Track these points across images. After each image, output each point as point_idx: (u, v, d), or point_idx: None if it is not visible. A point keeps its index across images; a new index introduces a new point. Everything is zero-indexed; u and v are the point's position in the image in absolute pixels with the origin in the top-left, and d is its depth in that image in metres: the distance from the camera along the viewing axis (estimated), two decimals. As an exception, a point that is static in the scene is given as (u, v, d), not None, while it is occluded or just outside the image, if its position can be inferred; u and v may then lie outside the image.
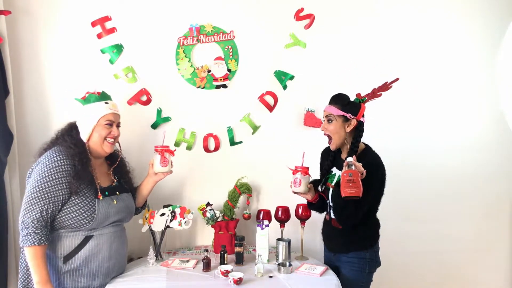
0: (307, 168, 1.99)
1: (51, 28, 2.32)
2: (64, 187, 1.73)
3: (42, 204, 1.69)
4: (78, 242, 1.80)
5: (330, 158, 2.08)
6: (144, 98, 2.44)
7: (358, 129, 1.96)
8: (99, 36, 2.36)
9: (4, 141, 2.12)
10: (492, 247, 2.92)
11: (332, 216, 2.01)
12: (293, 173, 2.00)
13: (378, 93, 2.01)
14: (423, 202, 2.76)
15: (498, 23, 2.81)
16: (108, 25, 2.37)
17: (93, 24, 2.34)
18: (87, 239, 1.82)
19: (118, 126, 1.95)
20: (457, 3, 2.77)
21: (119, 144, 2.05)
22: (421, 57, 2.74)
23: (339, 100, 1.97)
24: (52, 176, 1.71)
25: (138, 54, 2.42)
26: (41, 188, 1.70)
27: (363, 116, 1.97)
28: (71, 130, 1.89)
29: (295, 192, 2.02)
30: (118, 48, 2.39)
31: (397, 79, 1.98)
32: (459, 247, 2.84)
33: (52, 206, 1.71)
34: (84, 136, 1.87)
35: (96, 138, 1.87)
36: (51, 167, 1.72)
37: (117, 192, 1.95)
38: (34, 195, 1.70)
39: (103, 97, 1.91)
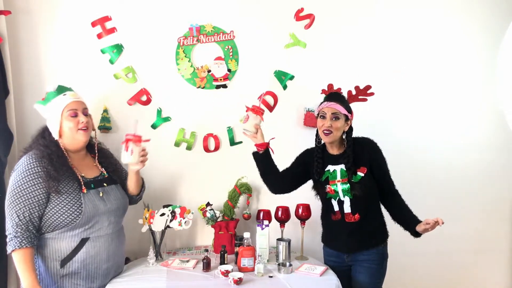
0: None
1: (51, 28, 2.32)
2: (37, 188, 1.74)
3: (18, 208, 1.71)
4: (75, 245, 1.80)
5: (318, 158, 2.08)
6: (144, 98, 2.44)
7: (350, 126, 2.06)
8: (99, 36, 2.36)
9: (4, 141, 2.12)
10: (493, 247, 2.92)
11: (346, 210, 2.01)
12: (246, 110, 2.10)
13: (360, 97, 2.17)
14: (423, 203, 2.74)
15: (498, 23, 2.81)
16: (108, 25, 2.37)
17: (93, 24, 2.34)
18: (83, 241, 1.81)
19: (85, 114, 1.90)
20: (457, 3, 2.77)
21: (95, 132, 2.01)
22: (421, 57, 2.74)
23: (342, 99, 2.06)
24: (24, 180, 1.73)
25: (138, 54, 2.42)
26: (15, 193, 1.73)
27: None
28: (44, 132, 1.89)
29: (244, 129, 2.10)
30: (118, 48, 2.39)
31: (369, 86, 2.17)
32: (459, 247, 2.84)
33: (28, 209, 1.72)
34: (55, 134, 1.86)
35: (67, 132, 1.85)
36: (22, 171, 1.75)
37: (105, 184, 1.94)
38: (10, 201, 1.73)
39: (60, 90, 1.88)
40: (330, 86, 2.15)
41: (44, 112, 1.89)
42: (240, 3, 2.52)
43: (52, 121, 1.86)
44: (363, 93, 2.15)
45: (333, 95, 2.08)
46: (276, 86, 2.58)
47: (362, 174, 1.98)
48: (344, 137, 2.06)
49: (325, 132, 1.98)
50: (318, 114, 2.05)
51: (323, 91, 2.14)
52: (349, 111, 2.03)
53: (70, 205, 1.77)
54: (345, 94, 2.14)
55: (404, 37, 2.70)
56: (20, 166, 1.77)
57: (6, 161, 2.15)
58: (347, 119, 2.01)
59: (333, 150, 2.08)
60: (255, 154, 2.14)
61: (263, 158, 2.11)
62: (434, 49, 2.75)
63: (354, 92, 2.14)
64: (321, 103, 2.05)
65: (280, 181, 2.16)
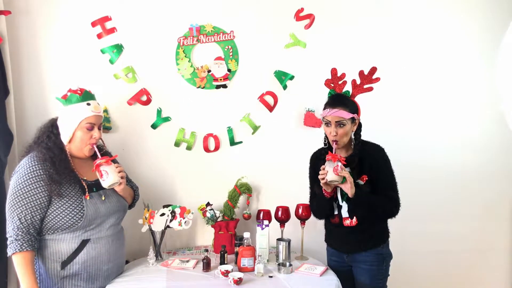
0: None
1: (51, 28, 2.32)
2: (39, 191, 1.73)
3: (19, 211, 1.71)
4: (75, 247, 1.80)
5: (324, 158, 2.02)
6: (144, 98, 2.44)
7: (358, 125, 2.01)
8: (99, 36, 2.36)
9: (4, 141, 2.12)
10: (492, 247, 2.92)
11: (344, 215, 2.00)
12: (334, 160, 1.85)
13: (366, 87, 2.03)
14: (423, 202, 2.76)
15: (498, 23, 2.81)
16: (108, 25, 2.37)
17: (93, 24, 2.34)
18: (84, 243, 1.81)
19: (99, 128, 1.89)
20: (458, 3, 2.76)
21: (102, 140, 2.01)
22: (422, 57, 2.73)
23: (346, 102, 1.95)
24: (26, 182, 1.73)
25: (138, 54, 2.42)
26: (16, 196, 1.72)
27: None
28: (51, 129, 1.86)
29: (330, 181, 1.86)
30: (118, 48, 2.39)
31: (374, 68, 2.03)
32: (459, 247, 2.84)
33: (30, 212, 1.71)
34: (64, 139, 1.84)
35: (77, 141, 1.84)
36: (24, 174, 1.74)
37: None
38: (11, 204, 1.72)
39: (85, 97, 1.85)
40: (334, 70, 2.03)
41: (61, 111, 1.86)
42: (240, 3, 2.52)
43: (67, 126, 1.83)
44: (368, 79, 2.02)
45: (335, 98, 1.99)
46: (276, 86, 2.58)
47: (362, 183, 1.95)
48: (352, 136, 2.00)
49: (334, 141, 1.93)
50: (323, 119, 1.98)
51: (327, 81, 2.05)
52: (355, 111, 1.95)
53: (72, 208, 1.77)
54: (349, 83, 2.05)
55: (404, 37, 2.70)
56: (22, 168, 1.76)
57: (6, 161, 2.15)
58: (353, 120, 1.95)
59: (341, 153, 2.02)
60: (323, 196, 2.01)
61: (329, 199, 2.01)
62: (434, 49, 2.75)
63: (358, 81, 2.03)
64: (325, 106, 1.99)
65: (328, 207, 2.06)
